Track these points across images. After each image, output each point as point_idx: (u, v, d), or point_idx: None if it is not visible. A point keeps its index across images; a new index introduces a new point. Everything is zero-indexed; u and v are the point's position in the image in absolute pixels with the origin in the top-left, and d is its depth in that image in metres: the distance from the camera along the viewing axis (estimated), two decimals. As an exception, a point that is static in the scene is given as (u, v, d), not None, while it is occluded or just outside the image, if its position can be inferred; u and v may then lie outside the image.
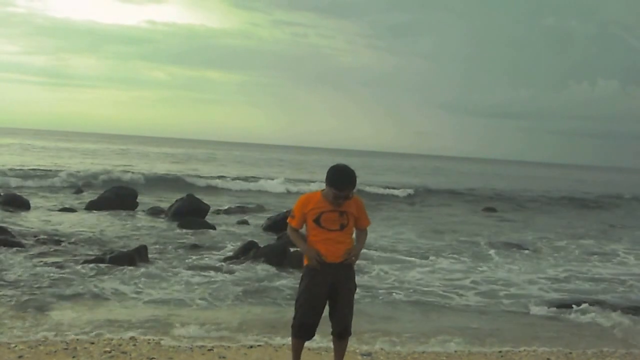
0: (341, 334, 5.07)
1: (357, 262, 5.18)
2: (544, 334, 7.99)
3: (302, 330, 5.01)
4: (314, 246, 4.92)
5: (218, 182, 30.37)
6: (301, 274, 5.11)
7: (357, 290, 5.23)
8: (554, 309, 9.28)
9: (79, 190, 23.56)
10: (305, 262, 5.04)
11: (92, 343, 6.25)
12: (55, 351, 5.92)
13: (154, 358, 5.89)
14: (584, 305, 9.24)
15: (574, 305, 9.27)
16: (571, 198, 36.40)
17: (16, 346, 6.02)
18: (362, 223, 5.06)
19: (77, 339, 6.37)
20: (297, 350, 5.15)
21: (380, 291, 9.80)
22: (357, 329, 6.22)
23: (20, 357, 5.72)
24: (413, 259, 13.06)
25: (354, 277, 5.11)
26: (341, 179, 4.81)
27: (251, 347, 6.48)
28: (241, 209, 20.85)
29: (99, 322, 7.12)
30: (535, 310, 9.26)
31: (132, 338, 6.51)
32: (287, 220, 5.15)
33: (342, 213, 4.86)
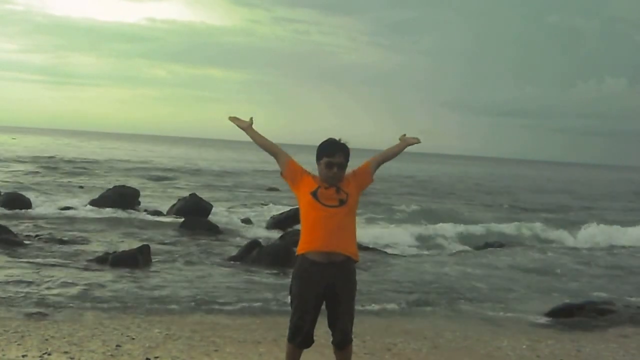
0: (341, 343, 4.60)
1: None
2: None
3: (297, 336, 4.57)
4: (310, 232, 4.52)
5: (221, 182, 30.33)
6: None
7: None
8: None
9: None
10: (297, 252, 4.57)
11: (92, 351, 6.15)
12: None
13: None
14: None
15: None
16: None
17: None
18: (365, 169, 4.70)
19: (77, 342, 6.27)
20: (290, 355, 4.68)
21: None
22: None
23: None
24: None
25: (355, 278, 4.61)
26: (330, 144, 4.59)
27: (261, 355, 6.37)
28: (244, 208, 20.78)
29: (100, 323, 6.98)
30: None
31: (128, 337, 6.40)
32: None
33: (339, 189, 4.52)
